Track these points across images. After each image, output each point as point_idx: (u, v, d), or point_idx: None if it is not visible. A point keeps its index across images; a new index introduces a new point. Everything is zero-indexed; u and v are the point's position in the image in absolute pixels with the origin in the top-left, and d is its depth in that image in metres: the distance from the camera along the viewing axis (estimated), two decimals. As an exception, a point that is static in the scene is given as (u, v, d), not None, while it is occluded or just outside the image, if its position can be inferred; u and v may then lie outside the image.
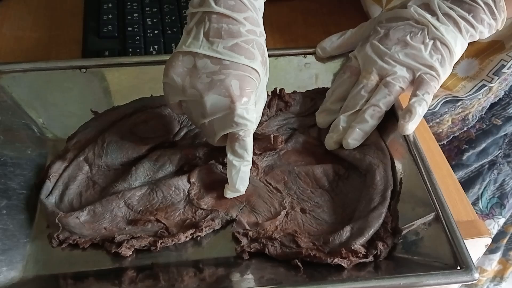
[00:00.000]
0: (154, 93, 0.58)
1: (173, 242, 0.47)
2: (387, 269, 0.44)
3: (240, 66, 0.45)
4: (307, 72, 0.63)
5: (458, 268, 0.42)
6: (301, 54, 0.63)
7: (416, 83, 0.52)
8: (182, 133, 0.56)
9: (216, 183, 0.51)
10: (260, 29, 0.49)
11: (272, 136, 0.54)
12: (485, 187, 0.87)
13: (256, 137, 0.55)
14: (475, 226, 0.52)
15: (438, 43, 0.53)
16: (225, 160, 0.52)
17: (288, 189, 0.51)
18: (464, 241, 0.43)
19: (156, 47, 0.67)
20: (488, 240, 0.52)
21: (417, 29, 0.54)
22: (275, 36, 0.73)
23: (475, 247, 0.52)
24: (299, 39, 0.73)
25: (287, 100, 0.59)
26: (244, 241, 0.47)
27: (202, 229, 0.47)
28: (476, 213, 0.85)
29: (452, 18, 0.53)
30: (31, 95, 0.57)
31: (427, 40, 0.53)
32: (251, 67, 0.46)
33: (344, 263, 0.44)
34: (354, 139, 0.52)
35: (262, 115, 0.58)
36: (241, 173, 0.48)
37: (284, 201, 0.50)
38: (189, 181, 0.50)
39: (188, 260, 0.46)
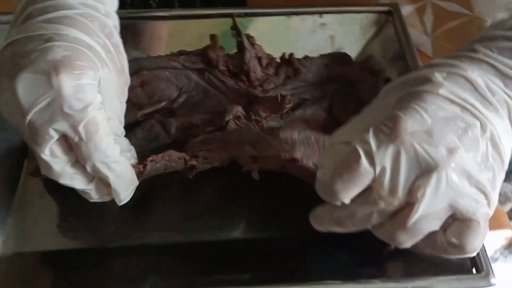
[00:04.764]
0: (152, 52, 0.53)
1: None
2: (394, 269, 0.40)
3: (70, 38, 0.36)
4: (322, 34, 0.58)
5: (474, 271, 0.38)
6: (316, 13, 0.57)
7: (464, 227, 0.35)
8: (182, 100, 0.51)
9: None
10: (107, 9, 0.40)
11: (279, 95, 0.48)
12: None
13: (260, 100, 0.50)
14: (495, 217, 0.47)
15: (491, 148, 0.34)
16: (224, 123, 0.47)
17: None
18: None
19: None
20: (509, 233, 0.48)
21: (469, 123, 0.33)
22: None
23: (494, 241, 0.48)
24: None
25: (296, 66, 0.53)
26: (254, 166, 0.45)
27: (198, 158, 0.45)
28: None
29: (504, 103, 0.35)
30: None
31: (483, 143, 0.33)
32: (87, 42, 0.36)
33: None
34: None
35: (268, 83, 0.52)
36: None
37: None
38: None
39: (178, 242, 0.43)
